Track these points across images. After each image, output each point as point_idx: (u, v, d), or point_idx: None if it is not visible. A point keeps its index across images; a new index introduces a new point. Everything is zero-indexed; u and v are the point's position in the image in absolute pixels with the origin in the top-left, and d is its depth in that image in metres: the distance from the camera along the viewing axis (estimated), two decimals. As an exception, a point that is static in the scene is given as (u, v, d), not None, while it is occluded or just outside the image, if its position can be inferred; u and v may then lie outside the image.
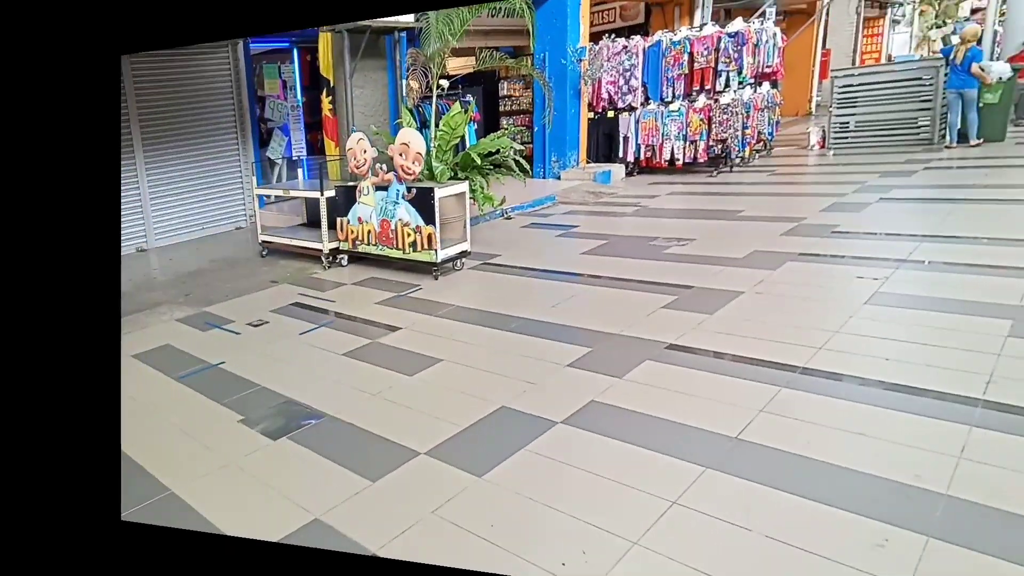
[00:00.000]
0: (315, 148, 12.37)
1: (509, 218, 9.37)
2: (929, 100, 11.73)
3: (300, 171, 9.59)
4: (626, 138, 11.98)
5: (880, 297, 4.93)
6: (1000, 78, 11.28)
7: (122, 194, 8.20)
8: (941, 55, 12.40)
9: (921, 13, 27.38)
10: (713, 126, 11.42)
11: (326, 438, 3.77)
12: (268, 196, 9.57)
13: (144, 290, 7.33)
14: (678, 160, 11.63)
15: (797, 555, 2.36)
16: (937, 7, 26.60)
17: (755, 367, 3.90)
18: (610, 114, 12.16)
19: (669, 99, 11.80)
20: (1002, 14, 15.79)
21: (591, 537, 2.64)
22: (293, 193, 8.52)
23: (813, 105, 21.00)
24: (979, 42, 11.78)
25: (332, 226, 7.55)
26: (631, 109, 11.97)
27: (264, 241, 8.35)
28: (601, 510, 2.79)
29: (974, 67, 11.01)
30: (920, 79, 11.88)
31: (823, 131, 13.48)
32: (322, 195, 7.47)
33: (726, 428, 3.23)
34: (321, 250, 7.61)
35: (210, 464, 3.64)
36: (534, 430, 3.50)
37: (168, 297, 6.97)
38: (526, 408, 3.76)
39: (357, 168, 7.17)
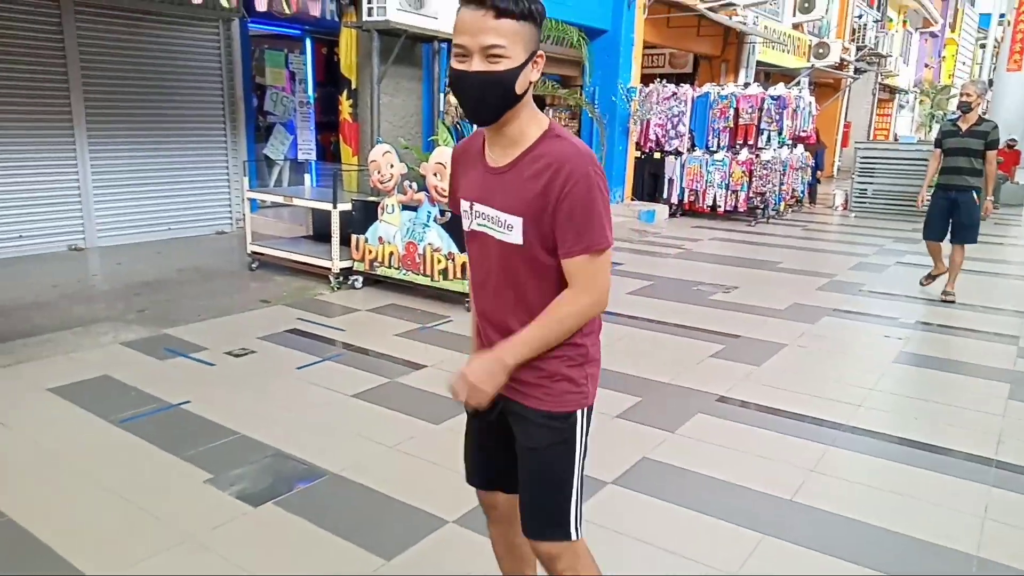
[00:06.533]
0: (327, 152, 10.54)
1: (552, 251, 8.72)
2: (930, 178, 12.25)
3: (307, 176, 7.80)
4: (671, 180, 11.84)
5: (904, 356, 5.04)
6: None
7: (50, 175, 7.08)
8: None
9: (921, 102, 31.91)
10: (754, 179, 11.31)
11: (327, 504, 2.85)
12: (263, 200, 7.54)
13: (76, 301, 5.47)
14: (719, 207, 11.51)
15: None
16: (931, 99, 30.93)
17: (804, 424, 3.78)
18: (656, 155, 11.98)
19: (714, 148, 11.71)
20: (984, 112, 16.73)
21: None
22: (297, 201, 6.66)
23: (835, 169, 21.46)
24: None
25: (345, 243, 6.13)
26: (677, 153, 11.83)
27: (255, 252, 6.63)
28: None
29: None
30: (923, 160, 12.25)
31: (846, 194, 13.70)
32: (335, 207, 6.05)
33: (781, 490, 3.08)
34: (330, 268, 6.12)
35: (159, 541, 2.55)
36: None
37: (112, 312, 5.22)
38: (572, 465, 3.34)
39: (381, 183, 5.97)
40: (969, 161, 6.38)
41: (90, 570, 2.40)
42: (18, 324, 4.90)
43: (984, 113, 8.24)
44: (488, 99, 1.53)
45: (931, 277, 6.90)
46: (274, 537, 2.64)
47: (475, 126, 1.68)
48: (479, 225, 1.67)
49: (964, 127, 6.39)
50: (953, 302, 6.50)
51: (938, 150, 6.61)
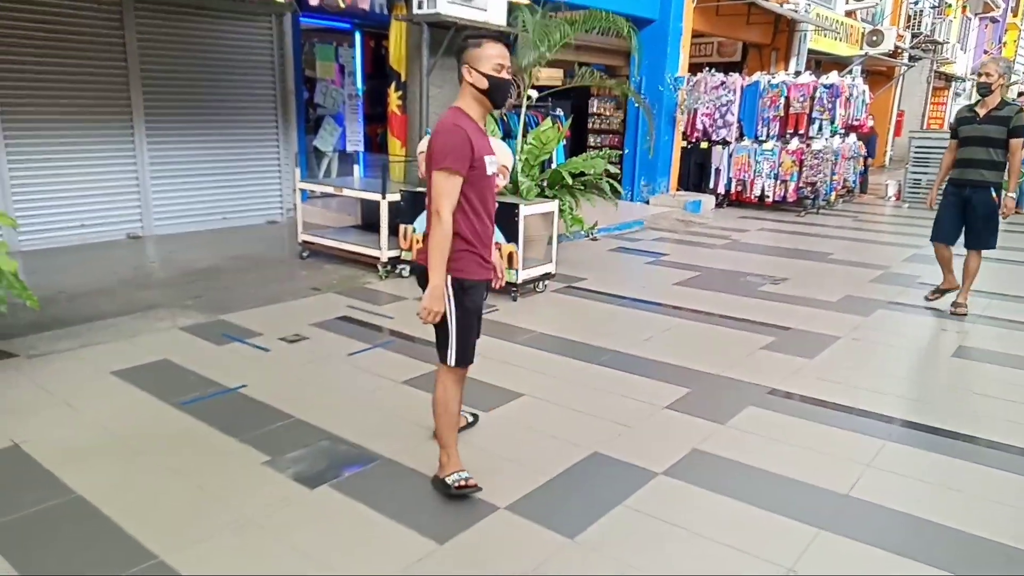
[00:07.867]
0: (374, 143, 10.60)
1: (595, 239, 8.42)
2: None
3: (356, 167, 7.82)
4: (718, 170, 11.64)
5: (963, 351, 4.86)
6: None
7: (110, 166, 7.25)
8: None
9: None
10: (804, 169, 11.04)
11: (380, 487, 2.88)
12: (313, 191, 7.68)
13: (134, 287, 5.60)
14: (767, 197, 11.27)
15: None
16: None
17: (860, 418, 3.67)
18: (703, 145, 11.77)
19: (763, 138, 11.45)
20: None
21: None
22: (346, 191, 6.72)
23: (887, 159, 20.80)
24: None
25: (393, 232, 6.22)
26: (725, 143, 11.62)
27: (305, 241, 6.78)
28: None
29: None
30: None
31: (899, 184, 13.27)
32: (384, 198, 6.10)
33: (837, 484, 3.00)
34: (378, 258, 6.20)
35: (218, 522, 2.62)
36: (632, 482, 2.96)
37: (168, 299, 5.32)
38: (622, 455, 3.18)
39: None
40: (987, 152, 5.43)
41: (155, 547, 2.46)
42: (82, 309, 5.05)
43: None
44: (511, 93, 2.79)
45: (939, 292, 5.88)
46: (330, 519, 2.67)
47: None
48: (494, 170, 2.79)
49: (982, 112, 5.44)
50: (965, 315, 5.59)
51: (953, 140, 5.68)
